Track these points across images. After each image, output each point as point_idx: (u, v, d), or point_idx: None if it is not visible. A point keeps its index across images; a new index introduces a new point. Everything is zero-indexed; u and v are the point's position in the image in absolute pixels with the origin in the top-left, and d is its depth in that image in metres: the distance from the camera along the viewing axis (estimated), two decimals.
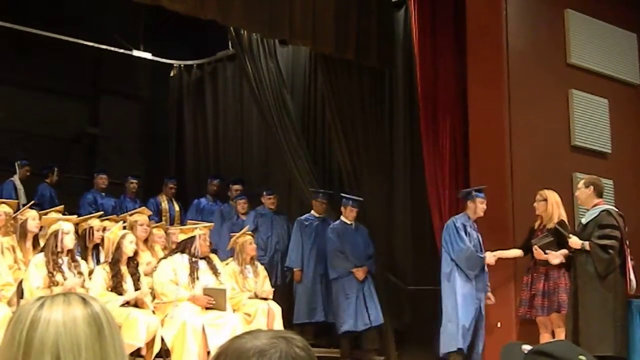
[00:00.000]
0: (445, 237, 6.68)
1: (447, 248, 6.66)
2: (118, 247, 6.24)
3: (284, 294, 8.55)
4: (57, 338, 1.29)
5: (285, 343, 1.19)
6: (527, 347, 1.42)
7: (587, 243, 5.84)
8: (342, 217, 8.17)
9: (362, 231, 8.20)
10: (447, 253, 6.65)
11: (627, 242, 5.91)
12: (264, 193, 9.34)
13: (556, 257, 6.09)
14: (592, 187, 6.04)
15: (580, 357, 1.35)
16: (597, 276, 5.77)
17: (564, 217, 6.30)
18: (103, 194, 9.96)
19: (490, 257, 6.51)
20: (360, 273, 7.84)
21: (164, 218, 9.78)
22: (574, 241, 5.92)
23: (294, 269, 8.54)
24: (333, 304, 8.02)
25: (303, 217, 8.72)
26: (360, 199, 8.26)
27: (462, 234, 6.58)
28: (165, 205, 10.10)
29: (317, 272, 8.44)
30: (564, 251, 6.07)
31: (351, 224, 8.15)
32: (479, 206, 6.64)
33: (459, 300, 6.49)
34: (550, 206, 6.30)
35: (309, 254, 8.49)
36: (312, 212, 8.73)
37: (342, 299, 7.82)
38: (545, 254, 6.12)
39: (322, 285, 8.40)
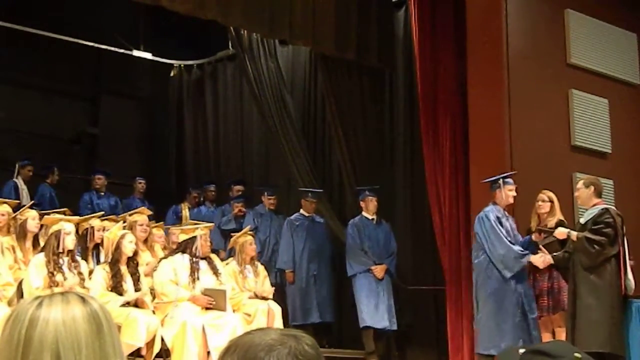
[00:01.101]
0: (479, 232, 6.29)
1: (482, 244, 6.26)
2: (117, 247, 6.24)
3: (279, 295, 8.55)
4: (57, 336, 1.28)
5: (294, 340, 1.21)
6: (523, 351, 1.42)
7: (574, 233, 5.85)
8: (363, 212, 8.04)
9: (384, 227, 8.08)
10: (483, 249, 6.26)
11: (626, 242, 5.90)
12: (265, 193, 9.29)
13: (541, 262, 6.06)
14: (592, 187, 6.04)
15: (576, 354, 1.36)
16: (588, 271, 5.78)
17: (562, 218, 6.31)
18: (102, 193, 9.97)
19: (538, 260, 6.14)
20: (379, 271, 7.74)
21: None
22: (560, 231, 5.94)
23: (286, 271, 8.46)
24: (354, 301, 7.82)
25: (293, 217, 8.66)
26: (377, 186, 8.17)
27: (499, 231, 6.18)
28: (186, 213, 10.09)
29: (310, 273, 8.36)
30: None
31: (372, 218, 8.02)
32: (507, 194, 6.29)
33: (492, 300, 6.13)
34: (555, 207, 6.32)
35: (301, 254, 8.42)
36: (302, 211, 8.65)
37: (362, 295, 7.69)
38: (551, 253, 6.13)
39: (316, 285, 8.33)
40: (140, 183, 10.29)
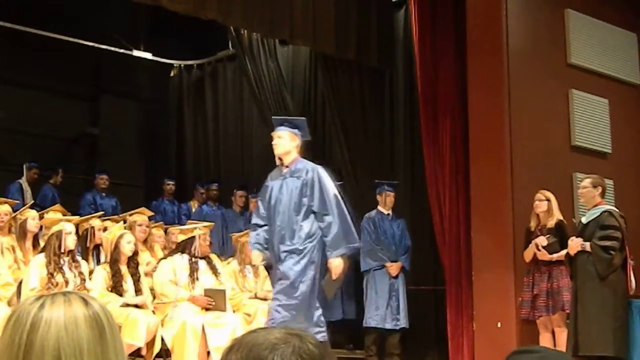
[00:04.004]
0: None
1: None
2: (116, 247, 6.23)
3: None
4: (59, 341, 1.27)
5: (298, 339, 1.21)
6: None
7: (587, 244, 5.82)
8: (378, 207, 7.94)
9: (399, 222, 7.96)
10: None
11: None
12: None
13: (575, 247, 5.91)
14: (600, 189, 6.03)
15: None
16: (597, 276, 5.75)
17: (561, 218, 6.31)
18: (103, 194, 9.96)
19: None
20: (394, 269, 7.61)
21: None
22: (573, 244, 5.89)
23: None
24: (363, 297, 7.72)
25: None
26: (396, 182, 8.09)
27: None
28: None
29: None
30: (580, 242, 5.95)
31: (388, 214, 7.94)
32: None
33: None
34: (553, 206, 6.30)
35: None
36: None
37: (372, 293, 7.59)
38: (551, 254, 6.12)
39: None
40: (168, 184, 10.30)
